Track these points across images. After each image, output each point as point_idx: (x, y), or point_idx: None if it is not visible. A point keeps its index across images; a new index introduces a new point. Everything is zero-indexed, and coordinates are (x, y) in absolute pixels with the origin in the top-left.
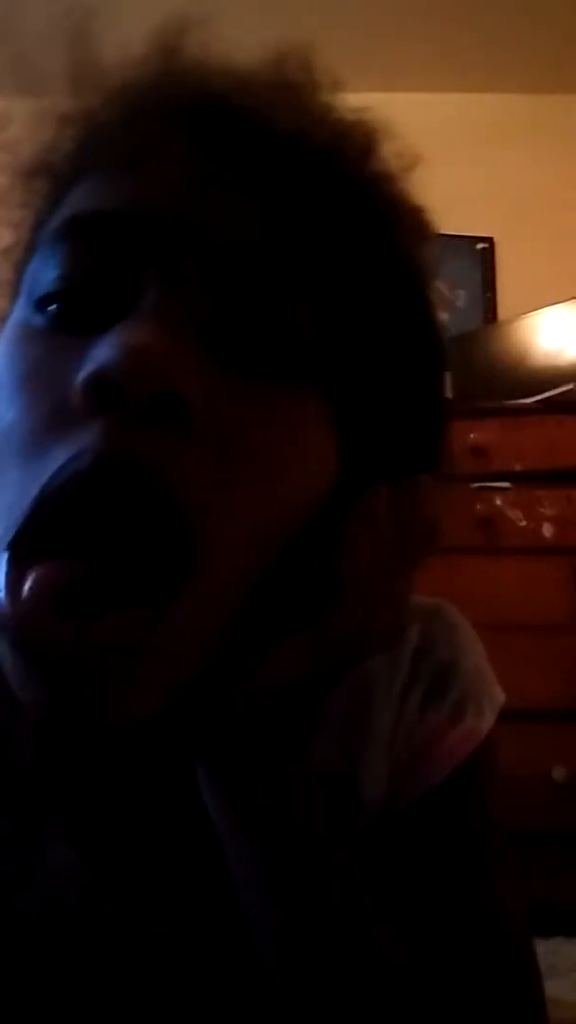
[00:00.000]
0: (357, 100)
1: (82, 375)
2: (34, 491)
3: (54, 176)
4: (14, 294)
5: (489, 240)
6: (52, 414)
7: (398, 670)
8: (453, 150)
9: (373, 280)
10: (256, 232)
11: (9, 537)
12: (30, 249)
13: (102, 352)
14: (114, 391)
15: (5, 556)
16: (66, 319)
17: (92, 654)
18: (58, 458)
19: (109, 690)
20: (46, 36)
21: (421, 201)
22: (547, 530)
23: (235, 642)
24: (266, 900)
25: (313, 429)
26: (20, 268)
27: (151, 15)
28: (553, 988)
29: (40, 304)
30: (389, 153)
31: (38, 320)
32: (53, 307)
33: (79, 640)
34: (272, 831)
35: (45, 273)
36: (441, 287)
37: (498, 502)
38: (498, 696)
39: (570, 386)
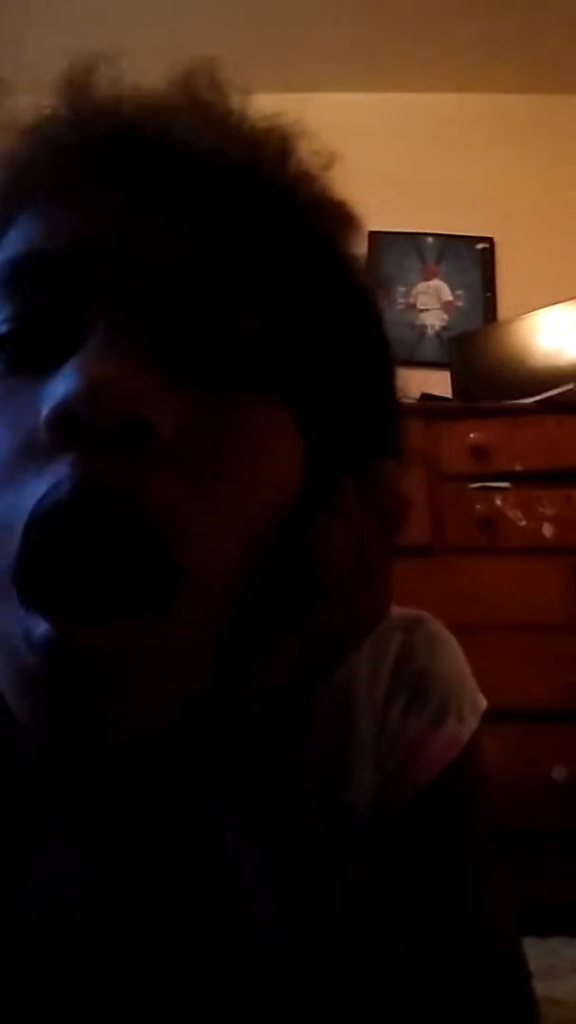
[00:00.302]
0: (357, 100)
1: (45, 411)
2: (16, 524)
3: None
4: None
5: (489, 240)
6: (21, 451)
7: (380, 679)
8: (453, 150)
9: (310, 280)
10: (188, 249)
11: (9, 576)
12: None
13: (61, 386)
14: (78, 423)
15: (15, 596)
16: (19, 360)
17: (95, 662)
18: (34, 491)
19: (110, 710)
20: None
21: (342, 195)
22: (547, 530)
23: (227, 650)
24: (271, 901)
25: (277, 431)
26: None
27: (64, 44)
28: (553, 988)
29: None
30: (307, 153)
31: None
32: (4, 350)
33: (83, 646)
34: (274, 831)
35: None
36: (441, 287)
37: (498, 502)
38: (480, 702)
39: (570, 386)
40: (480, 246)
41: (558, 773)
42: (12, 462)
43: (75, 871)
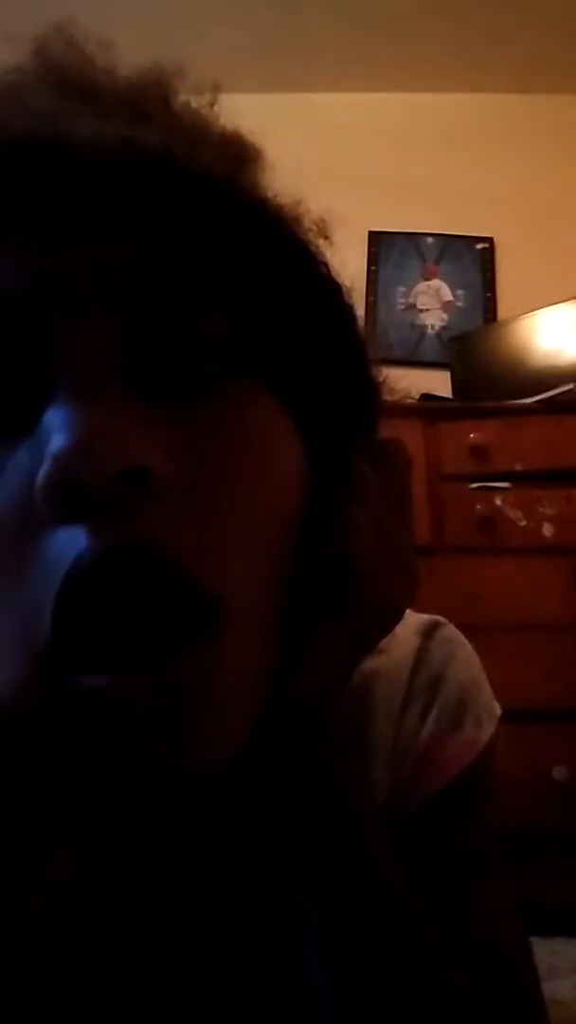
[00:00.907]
0: (357, 100)
1: (39, 483)
2: (37, 610)
3: None
4: None
5: (489, 240)
6: (15, 520)
7: (397, 683)
8: (453, 150)
9: (253, 257)
10: (128, 254)
11: (39, 655)
12: None
13: (52, 448)
14: (78, 489)
15: (51, 671)
16: None
17: (154, 711)
18: (44, 570)
19: (174, 753)
20: None
21: (233, 128)
22: (547, 530)
23: (287, 657)
24: (330, 942)
25: (267, 419)
26: None
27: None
28: (553, 988)
29: None
30: (189, 94)
31: None
32: None
33: (141, 698)
34: (334, 866)
35: None
36: (441, 287)
37: (498, 502)
38: (495, 709)
39: (570, 386)
40: (480, 246)
41: (558, 773)
42: (9, 535)
43: (84, 875)
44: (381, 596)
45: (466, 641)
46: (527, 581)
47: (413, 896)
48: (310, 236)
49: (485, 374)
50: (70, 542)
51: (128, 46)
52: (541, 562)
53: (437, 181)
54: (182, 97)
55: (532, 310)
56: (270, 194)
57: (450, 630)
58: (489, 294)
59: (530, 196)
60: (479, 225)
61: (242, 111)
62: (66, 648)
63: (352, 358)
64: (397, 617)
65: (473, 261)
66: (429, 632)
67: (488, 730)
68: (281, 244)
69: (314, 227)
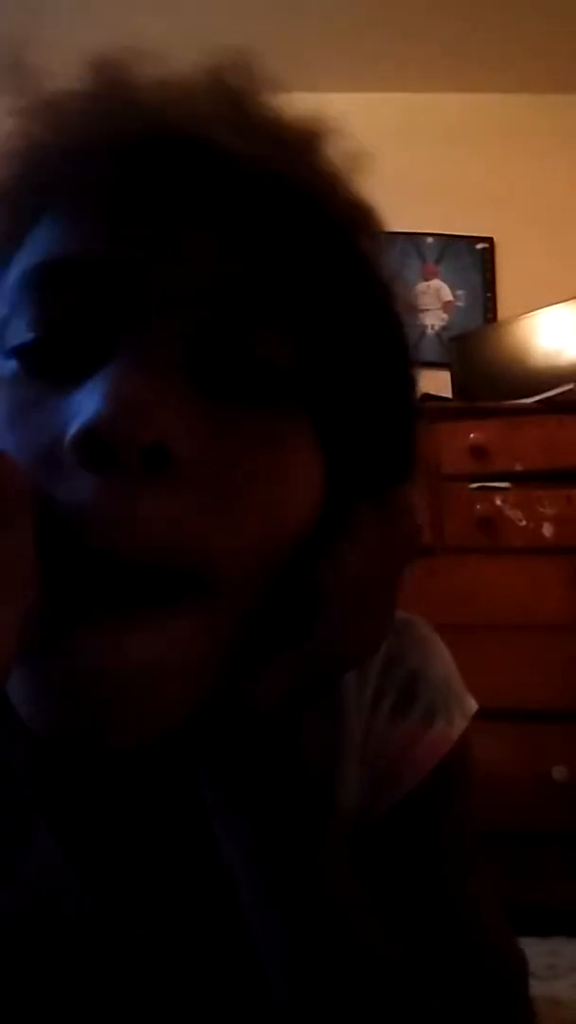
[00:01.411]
0: (357, 100)
1: (71, 432)
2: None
3: (9, 212)
4: None
5: (489, 240)
6: (41, 459)
7: (367, 682)
8: (453, 150)
9: (340, 296)
10: (223, 266)
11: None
12: None
13: (87, 406)
14: (103, 447)
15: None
16: (42, 367)
17: (118, 670)
18: (56, 505)
19: (124, 716)
20: None
21: (369, 199)
22: (547, 530)
23: (235, 661)
24: (262, 895)
25: (300, 451)
26: None
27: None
28: (553, 988)
29: (14, 353)
30: (337, 154)
31: (11, 367)
32: (29, 357)
33: (114, 654)
34: (266, 826)
35: (16, 322)
36: (441, 287)
37: (498, 502)
38: (469, 704)
39: (570, 386)
40: (480, 246)
41: (558, 773)
42: (32, 472)
43: (61, 871)
44: (340, 636)
45: (438, 639)
46: (527, 581)
47: (350, 887)
48: (378, 255)
49: (485, 374)
50: (79, 490)
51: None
52: (541, 562)
53: (437, 181)
54: (328, 147)
55: (532, 310)
56: (358, 215)
57: (422, 628)
58: (489, 294)
59: (530, 196)
60: (479, 225)
61: None
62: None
63: (401, 406)
64: (348, 661)
65: (473, 261)
66: (400, 630)
67: (460, 725)
68: (362, 288)
69: (377, 243)
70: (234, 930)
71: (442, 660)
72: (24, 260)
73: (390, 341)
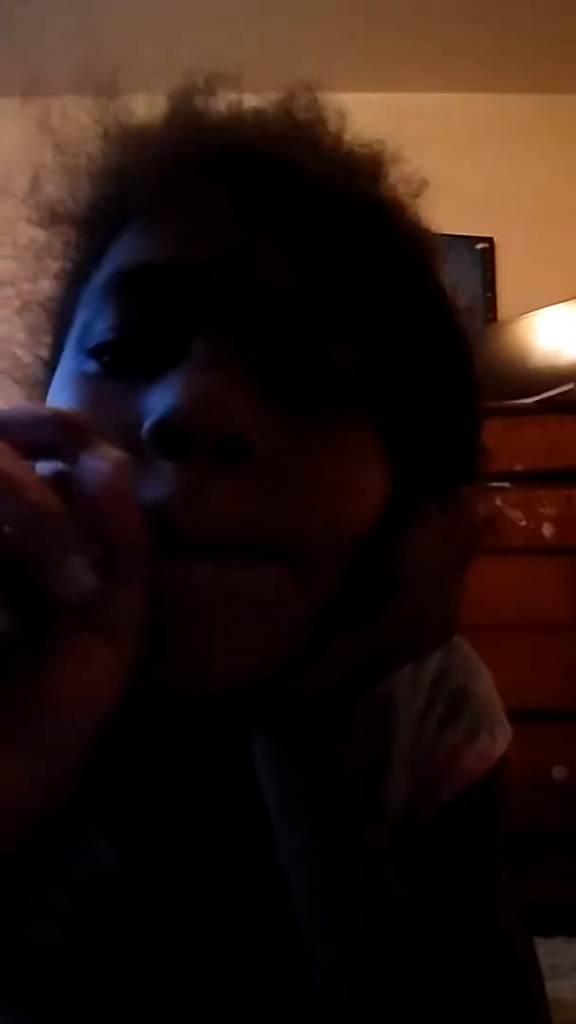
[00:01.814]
0: (357, 100)
1: (149, 421)
2: None
3: (91, 229)
4: (55, 343)
5: (489, 240)
6: (120, 445)
7: (418, 692)
8: (453, 150)
9: (407, 309)
10: (296, 276)
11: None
12: (72, 299)
13: (166, 398)
14: (181, 437)
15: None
16: (118, 367)
17: (214, 595)
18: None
19: (216, 648)
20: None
21: (427, 218)
22: (547, 530)
23: (312, 642)
24: (314, 873)
25: (365, 454)
26: (62, 318)
27: (161, 58)
28: (554, 989)
29: (92, 353)
30: (398, 178)
31: (91, 367)
32: (107, 356)
33: (220, 581)
34: (323, 805)
35: (98, 324)
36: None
37: (498, 502)
38: (508, 729)
39: (570, 386)
40: (480, 246)
41: (558, 773)
42: None
43: (113, 868)
44: (416, 619)
45: (479, 657)
46: (527, 581)
47: (406, 885)
48: (439, 272)
49: (485, 374)
50: (159, 479)
51: (147, 51)
52: (541, 562)
53: (437, 181)
54: (393, 175)
55: (532, 310)
56: (421, 234)
57: (468, 647)
58: (489, 294)
59: (530, 196)
60: (479, 225)
61: None
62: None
63: (463, 412)
64: (426, 644)
65: (473, 261)
66: (450, 646)
67: (501, 745)
68: (426, 300)
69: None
70: (281, 930)
71: (486, 678)
72: (106, 269)
73: (453, 348)
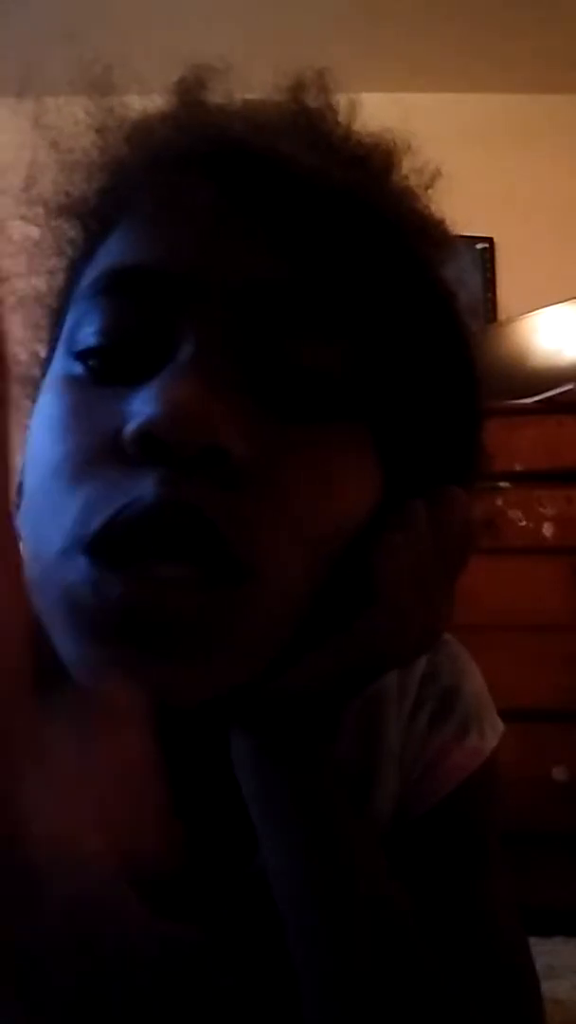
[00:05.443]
0: (356, 100)
1: (129, 429)
2: (101, 506)
3: (84, 224)
4: (50, 340)
5: (489, 240)
6: (102, 450)
7: (407, 692)
8: (453, 150)
9: (403, 307)
10: (285, 278)
11: (83, 543)
12: (65, 296)
13: (146, 407)
14: (160, 444)
15: (85, 559)
16: (105, 371)
17: (166, 622)
18: (117, 484)
19: (171, 671)
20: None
21: (439, 212)
22: (547, 530)
23: (290, 644)
24: (298, 876)
25: (352, 458)
26: (56, 315)
27: (163, 56)
28: (553, 988)
29: (80, 356)
30: (409, 169)
31: (78, 370)
32: (93, 361)
33: (176, 611)
34: (303, 806)
35: (84, 327)
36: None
37: (498, 502)
38: (499, 725)
39: (570, 386)
40: (480, 246)
41: (558, 773)
42: (94, 458)
43: (112, 872)
44: (394, 628)
45: (468, 655)
46: (527, 581)
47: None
48: (447, 267)
49: (485, 374)
50: (140, 485)
51: (149, 49)
52: (541, 562)
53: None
54: (402, 170)
55: (532, 310)
56: (427, 225)
57: (457, 646)
58: (489, 294)
59: (530, 196)
60: (479, 225)
61: None
62: (109, 540)
63: (464, 411)
64: (407, 652)
65: (473, 261)
66: (437, 646)
67: (492, 742)
68: (424, 295)
69: (454, 253)
70: (271, 931)
71: (474, 676)
72: (94, 270)
73: (453, 345)
